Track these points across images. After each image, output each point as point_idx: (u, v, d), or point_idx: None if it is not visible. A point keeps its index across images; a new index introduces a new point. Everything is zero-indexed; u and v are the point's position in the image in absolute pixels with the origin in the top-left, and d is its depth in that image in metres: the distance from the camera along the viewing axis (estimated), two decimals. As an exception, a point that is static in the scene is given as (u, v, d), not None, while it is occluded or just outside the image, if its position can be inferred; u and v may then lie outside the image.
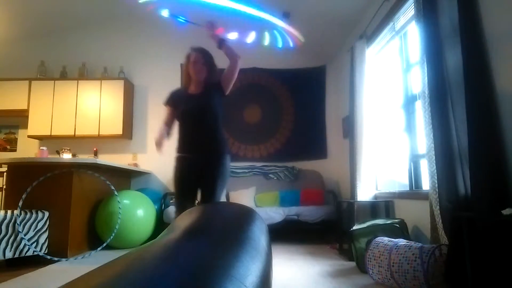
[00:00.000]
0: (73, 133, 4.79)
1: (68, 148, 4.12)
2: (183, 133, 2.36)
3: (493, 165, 1.79)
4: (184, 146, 2.35)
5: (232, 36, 2.42)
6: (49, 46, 5.30)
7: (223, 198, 2.46)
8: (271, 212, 4.01)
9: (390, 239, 2.37)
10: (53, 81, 4.92)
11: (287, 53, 5.27)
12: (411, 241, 2.28)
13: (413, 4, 2.71)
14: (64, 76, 5.07)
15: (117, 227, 3.40)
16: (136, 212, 3.67)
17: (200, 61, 2.34)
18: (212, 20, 2.40)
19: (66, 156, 3.97)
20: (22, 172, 3.23)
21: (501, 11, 1.89)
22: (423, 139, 2.49)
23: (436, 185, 2.25)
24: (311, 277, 2.50)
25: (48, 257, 2.93)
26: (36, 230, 2.95)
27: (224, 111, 2.39)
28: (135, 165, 4.96)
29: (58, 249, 3.07)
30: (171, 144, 5.23)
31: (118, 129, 4.80)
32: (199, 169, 2.26)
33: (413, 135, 3.05)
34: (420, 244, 2.13)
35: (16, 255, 2.79)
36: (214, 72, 2.41)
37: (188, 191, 2.32)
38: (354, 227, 2.87)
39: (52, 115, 4.81)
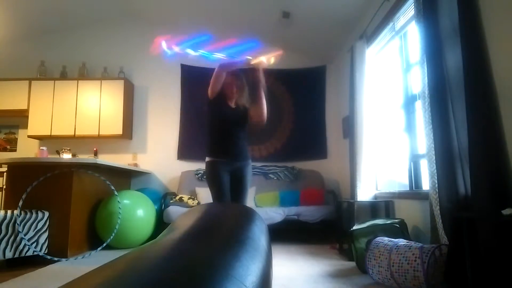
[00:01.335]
0: (73, 133, 4.79)
1: (68, 148, 4.12)
2: (217, 139, 2.64)
3: (493, 165, 1.79)
4: (218, 151, 2.62)
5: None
6: (49, 46, 5.30)
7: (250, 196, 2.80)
8: (271, 212, 4.01)
9: (390, 239, 2.37)
10: (53, 81, 4.92)
11: (287, 53, 5.27)
12: (411, 241, 2.28)
13: (413, 4, 2.71)
14: (64, 76, 5.07)
15: (117, 227, 3.40)
16: (136, 212, 3.67)
17: (234, 84, 2.66)
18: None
19: (66, 156, 3.97)
20: (22, 172, 3.23)
21: (501, 11, 1.89)
22: (423, 139, 2.49)
23: (436, 185, 2.25)
24: (311, 277, 2.50)
25: (48, 257, 2.93)
26: (36, 230, 2.95)
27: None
28: (135, 165, 4.96)
29: (58, 249, 3.07)
30: (169, 147, 5.24)
31: (118, 129, 4.80)
32: (232, 173, 2.60)
33: (413, 135, 3.05)
34: (420, 244, 2.13)
35: (16, 255, 2.78)
36: (243, 94, 2.75)
37: (224, 191, 2.60)
38: (354, 227, 2.87)
39: (52, 115, 4.81)
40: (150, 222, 3.79)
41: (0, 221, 2.71)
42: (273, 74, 5.22)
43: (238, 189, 2.60)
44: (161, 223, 3.97)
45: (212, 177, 2.60)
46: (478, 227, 1.75)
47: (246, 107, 2.74)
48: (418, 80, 2.64)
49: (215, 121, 2.66)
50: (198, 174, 4.80)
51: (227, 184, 2.60)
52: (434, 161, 2.27)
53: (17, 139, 5.20)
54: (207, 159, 2.63)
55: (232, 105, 2.69)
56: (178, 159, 5.06)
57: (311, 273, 2.62)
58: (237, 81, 2.67)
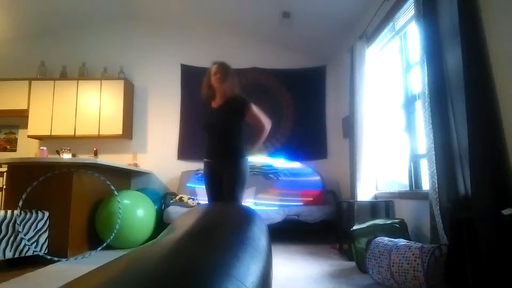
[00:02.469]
0: (73, 133, 4.79)
1: (68, 148, 4.12)
2: (208, 141, 2.65)
3: (493, 165, 1.79)
4: (209, 153, 2.66)
5: None
6: (49, 46, 5.30)
7: (245, 197, 2.71)
8: (271, 212, 4.01)
9: (390, 239, 2.37)
10: (53, 81, 4.92)
11: (287, 53, 5.28)
12: (411, 241, 2.28)
13: (413, 4, 2.71)
14: (64, 76, 5.07)
15: (117, 227, 3.40)
16: (136, 212, 3.67)
17: (219, 72, 2.57)
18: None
19: (66, 156, 3.97)
20: (22, 172, 3.23)
21: (501, 11, 1.89)
22: (423, 139, 2.49)
23: (436, 185, 2.25)
24: (311, 277, 2.50)
25: (48, 257, 2.93)
26: (36, 230, 2.95)
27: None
28: (135, 165, 4.96)
29: (58, 249, 3.06)
30: (169, 147, 5.29)
31: (118, 129, 4.80)
32: (220, 173, 2.57)
33: (413, 135, 3.05)
34: (420, 244, 2.13)
35: (16, 255, 2.78)
36: (234, 85, 2.64)
37: (216, 191, 2.61)
38: (354, 227, 2.87)
39: (52, 115, 4.81)
40: (150, 222, 3.79)
41: (0, 221, 2.71)
42: (273, 74, 5.23)
43: (228, 190, 2.53)
44: (161, 223, 3.97)
45: (204, 178, 2.71)
46: (478, 227, 1.75)
47: (238, 98, 2.60)
48: (418, 80, 2.64)
49: (204, 123, 2.69)
50: (198, 174, 4.80)
51: (216, 184, 2.59)
52: (434, 161, 2.27)
53: (17, 139, 5.20)
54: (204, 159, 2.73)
55: (216, 105, 2.63)
56: (178, 159, 5.06)
57: (311, 273, 2.62)
58: (223, 69, 2.59)
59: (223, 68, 2.60)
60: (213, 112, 2.63)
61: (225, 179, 2.54)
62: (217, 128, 2.58)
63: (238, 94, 2.64)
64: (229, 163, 2.54)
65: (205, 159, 2.68)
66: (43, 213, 3.05)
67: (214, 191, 2.62)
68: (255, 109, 2.60)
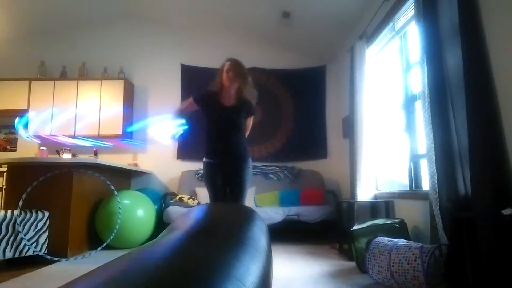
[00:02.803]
0: (73, 133, 4.79)
1: (68, 148, 4.12)
2: (211, 140, 2.59)
3: (493, 165, 1.79)
4: (213, 153, 2.58)
5: None
6: (49, 46, 5.30)
7: (248, 197, 2.74)
8: (271, 212, 4.01)
9: (390, 239, 2.37)
10: (53, 81, 4.91)
11: (287, 53, 5.28)
12: (411, 241, 2.28)
13: (413, 4, 2.71)
14: (64, 76, 5.06)
15: (117, 227, 3.40)
16: (136, 212, 3.67)
17: (232, 70, 2.51)
18: None
19: (66, 156, 3.97)
20: (22, 172, 3.23)
21: (501, 11, 1.89)
22: (423, 139, 2.49)
23: (436, 185, 2.25)
24: (311, 277, 2.50)
25: (48, 257, 2.93)
26: (36, 230, 2.95)
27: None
28: (135, 165, 4.96)
29: (58, 249, 3.06)
30: (170, 146, 5.27)
31: (118, 129, 4.80)
32: (227, 173, 2.54)
33: (413, 135, 3.05)
34: (420, 244, 2.13)
35: (16, 255, 2.78)
36: (246, 85, 2.58)
37: (220, 191, 2.57)
38: (354, 227, 2.87)
39: (52, 115, 4.81)
40: (150, 222, 3.79)
41: (0, 221, 2.71)
42: (273, 74, 5.23)
43: (233, 190, 2.55)
44: (161, 223, 3.96)
45: (206, 178, 2.62)
46: (478, 227, 1.75)
47: (244, 100, 2.58)
48: (418, 80, 2.63)
49: (207, 122, 2.60)
50: (198, 174, 4.80)
51: (221, 185, 2.56)
52: (434, 161, 2.27)
53: (17, 139, 5.20)
54: (203, 159, 2.63)
55: (226, 103, 2.56)
56: (177, 158, 5.06)
57: (311, 273, 2.62)
58: (237, 67, 2.55)
59: (235, 66, 2.54)
60: (223, 111, 2.54)
61: (230, 179, 2.53)
62: (226, 126, 2.53)
63: (250, 99, 2.62)
64: (235, 163, 2.53)
65: (205, 160, 2.60)
66: (43, 213, 3.05)
67: (216, 192, 2.58)
68: (251, 120, 2.72)
